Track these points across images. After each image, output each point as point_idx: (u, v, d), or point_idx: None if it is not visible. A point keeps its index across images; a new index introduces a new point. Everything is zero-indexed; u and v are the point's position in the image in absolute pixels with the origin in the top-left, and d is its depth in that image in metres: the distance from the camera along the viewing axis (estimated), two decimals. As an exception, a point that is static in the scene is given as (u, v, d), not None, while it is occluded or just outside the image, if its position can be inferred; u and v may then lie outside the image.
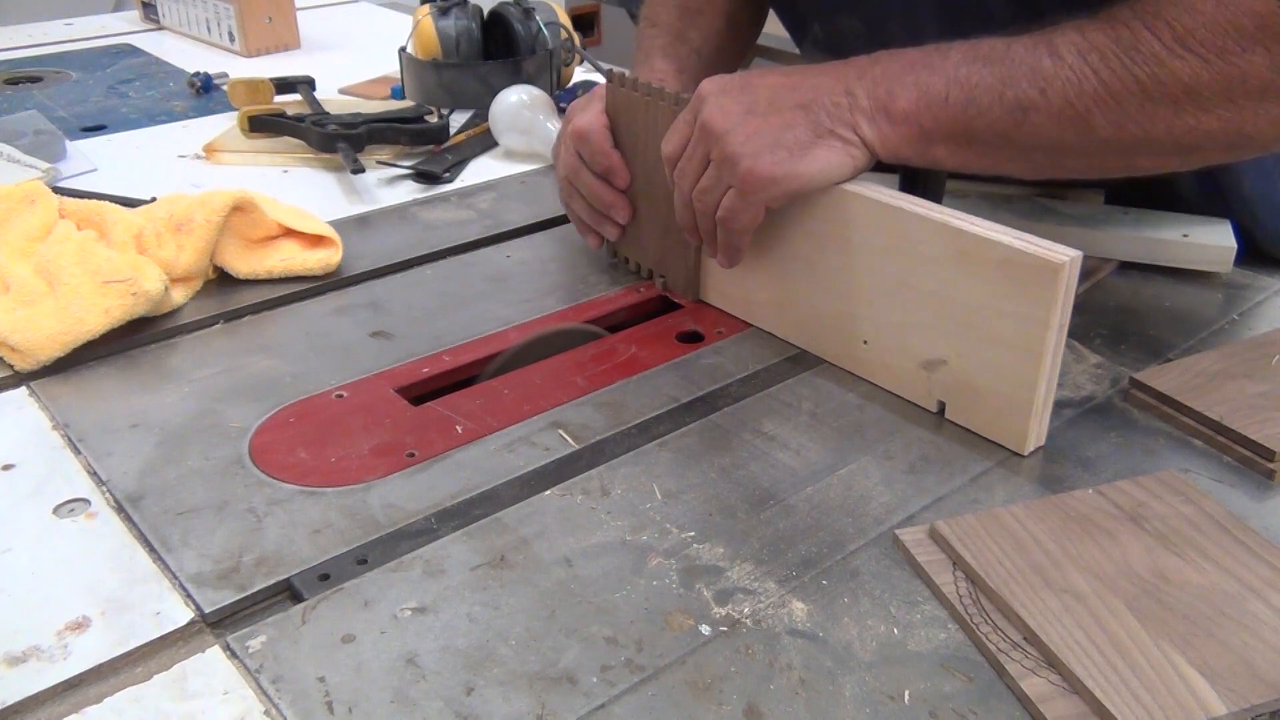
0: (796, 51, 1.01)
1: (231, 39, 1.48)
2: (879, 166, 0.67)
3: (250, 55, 1.47)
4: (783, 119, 0.64)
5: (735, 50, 0.94)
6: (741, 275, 0.75)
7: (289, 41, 1.51)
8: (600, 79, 1.06)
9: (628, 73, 0.79)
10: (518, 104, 1.09)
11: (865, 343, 0.68)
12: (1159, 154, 0.61)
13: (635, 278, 0.84)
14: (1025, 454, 0.62)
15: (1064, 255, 0.57)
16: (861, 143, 0.64)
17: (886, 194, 0.64)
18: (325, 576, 0.53)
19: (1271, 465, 0.61)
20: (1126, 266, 0.85)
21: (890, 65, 0.64)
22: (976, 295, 0.61)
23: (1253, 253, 0.85)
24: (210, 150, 1.10)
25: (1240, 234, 0.83)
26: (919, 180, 0.72)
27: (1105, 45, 0.59)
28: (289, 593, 0.52)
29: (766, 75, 0.67)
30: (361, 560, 0.54)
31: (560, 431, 0.65)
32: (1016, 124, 0.61)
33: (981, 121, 0.61)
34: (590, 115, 0.79)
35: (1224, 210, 0.85)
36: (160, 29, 1.63)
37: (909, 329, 0.65)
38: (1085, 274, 0.82)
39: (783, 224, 0.70)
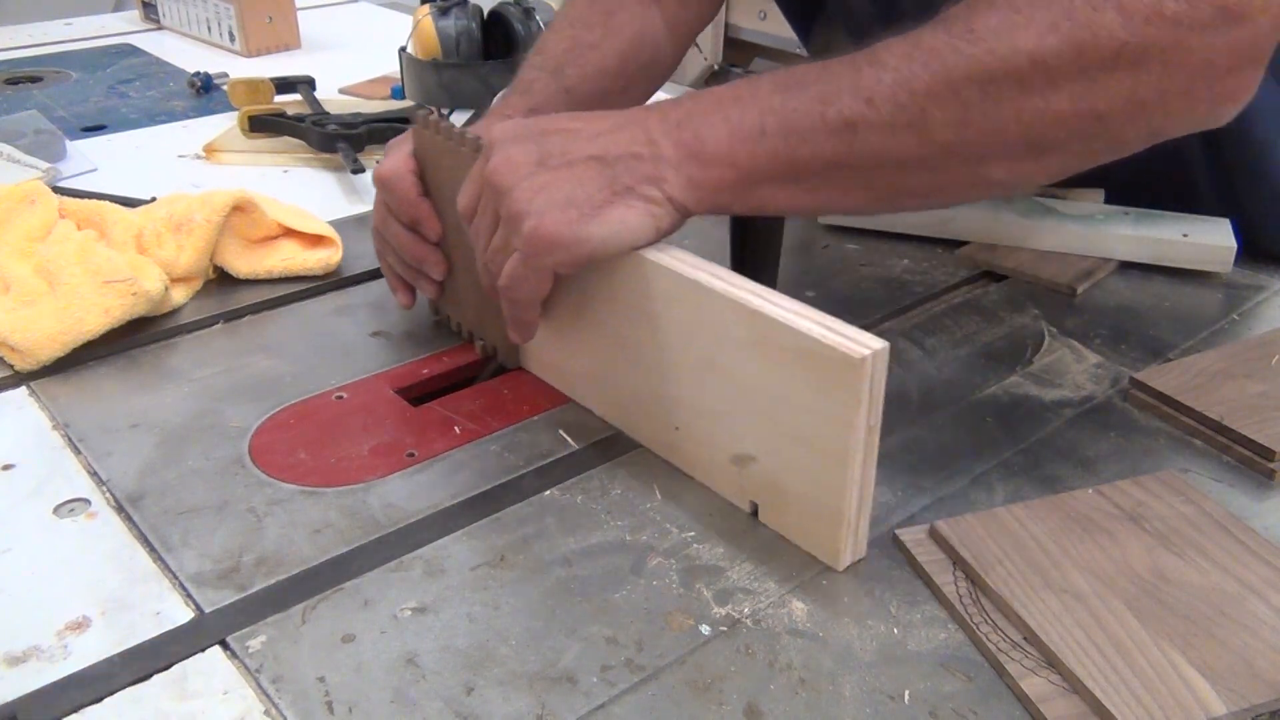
0: (797, 52, 1.01)
1: (232, 39, 1.48)
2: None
3: (251, 55, 1.47)
4: (575, 173, 0.56)
5: (627, 92, 0.83)
6: (556, 343, 0.67)
7: (289, 41, 1.51)
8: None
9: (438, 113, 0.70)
10: (518, 104, 1.09)
11: (677, 429, 0.60)
12: (1009, 155, 0.54)
13: (458, 338, 0.76)
14: (840, 569, 0.54)
15: (865, 349, 0.48)
16: (667, 200, 0.56)
17: (690, 265, 0.56)
18: (318, 580, 0.53)
19: (1271, 465, 0.61)
20: (1126, 266, 0.85)
21: (695, 105, 0.57)
22: (779, 387, 0.53)
23: (1253, 252, 0.85)
24: (210, 150, 1.10)
25: (1241, 233, 0.83)
26: (749, 236, 0.64)
27: (935, 40, 0.52)
28: (281, 595, 0.52)
29: (565, 120, 0.59)
30: (355, 564, 0.54)
31: (560, 431, 0.65)
32: (846, 145, 0.54)
33: (805, 149, 0.54)
34: (396, 159, 0.71)
35: (1234, 206, 0.84)
36: (160, 29, 1.63)
37: (718, 417, 0.57)
38: (1085, 274, 0.82)
39: (590, 291, 0.62)
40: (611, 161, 0.56)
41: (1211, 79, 0.51)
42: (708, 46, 2.76)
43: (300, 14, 1.53)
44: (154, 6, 1.64)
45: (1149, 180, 0.85)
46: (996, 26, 0.51)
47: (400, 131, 1.06)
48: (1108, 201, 0.90)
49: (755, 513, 0.58)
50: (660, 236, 0.58)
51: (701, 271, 0.55)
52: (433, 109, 0.70)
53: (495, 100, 1.09)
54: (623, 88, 0.82)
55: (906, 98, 0.52)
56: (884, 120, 0.53)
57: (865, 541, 0.55)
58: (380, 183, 0.72)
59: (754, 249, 0.63)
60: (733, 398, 0.56)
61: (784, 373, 0.52)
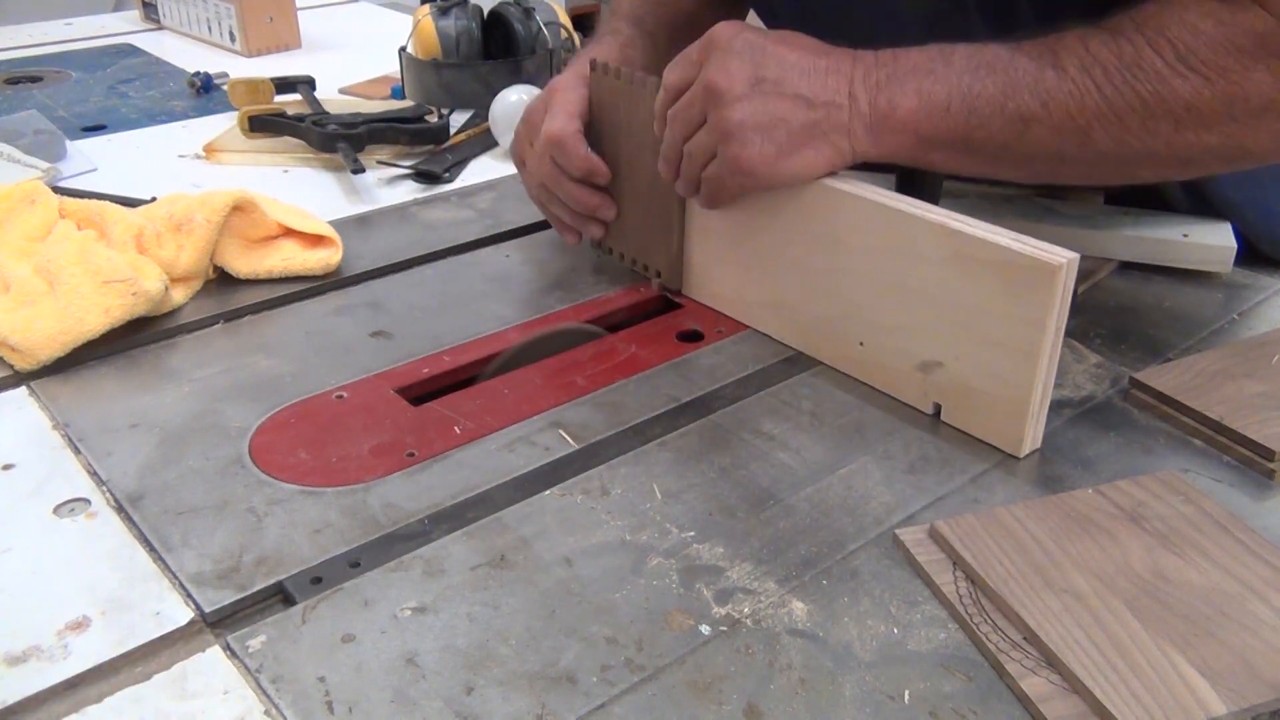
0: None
1: (232, 38, 1.48)
2: (875, 166, 0.66)
3: (251, 55, 1.47)
4: (784, 106, 0.63)
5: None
6: (733, 273, 0.75)
7: (290, 41, 1.51)
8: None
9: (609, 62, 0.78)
10: (518, 103, 1.09)
11: (861, 344, 0.68)
12: (1159, 166, 0.62)
13: (632, 275, 0.83)
14: (1021, 457, 0.62)
15: (1061, 257, 0.56)
16: (851, 150, 0.64)
17: (882, 194, 0.64)
18: (318, 580, 0.53)
19: (1271, 465, 0.61)
20: (1126, 266, 0.85)
21: (895, 69, 0.63)
22: (972, 297, 0.60)
23: (1252, 253, 0.85)
24: (210, 150, 1.10)
25: (1240, 233, 0.83)
26: (915, 180, 0.71)
27: (1109, 60, 0.59)
28: (281, 595, 0.52)
29: (780, 44, 0.65)
30: (354, 564, 0.54)
31: (560, 431, 0.65)
32: (1017, 135, 0.61)
33: (982, 132, 0.61)
34: (561, 120, 0.77)
35: (1214, 214, 0.85)
36: (160, 29, 1.63)
37: (904, 331, 0.65)
38: (1085, 274, 0.82)
39: (773, 222, 0.70)
40: (816, 105, 0.63)
41: None
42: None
43: (300, 14, 1.53)
44: (154, 6, 1.64)
45: (1140, 186, 0.86)
46: (1161, 70, 0.58)
47: (400, 131, 1.07)
48: (1108, 202, 0.90)
49: (938, 413, 0.65)
50: (834, 173, 0.66)
51: (899, 200, 0.63)
52: (594, 59, 0.78)
53: (493, 108, 1.09)
54: (693, 35, 0.88)
55: (1077, 109, 0.60)
56: (1054, 123, 0.60)
57: (1042, 434, 0.62)
58: (552, 143, 0.78)
59: (919, 189, 0.70)
60: (922, 311, 0.63)
61: (980, 284, 0.59)
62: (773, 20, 0.93)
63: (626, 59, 0.83)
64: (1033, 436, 0.62)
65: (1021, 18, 0.70)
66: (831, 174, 0.65)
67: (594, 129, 0.78)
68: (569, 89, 0.79)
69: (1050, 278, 0.56)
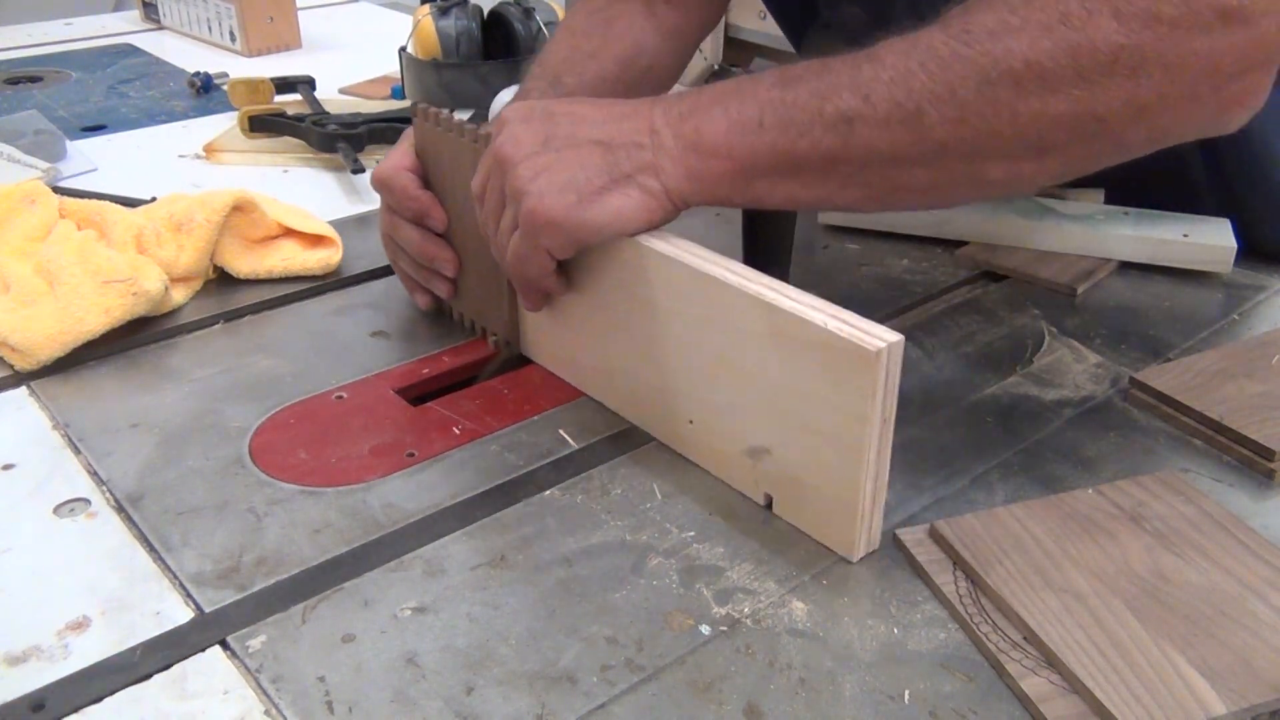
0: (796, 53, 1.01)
1: (233, 38, 1.48)
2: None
3: (251, 55, 1.47)
4: (578, 156, 0.58)
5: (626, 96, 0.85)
6: (565, 337, 0.68)
7: (290, 41, 1.51)
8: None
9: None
10: (518, 104, 1.09)
11: (690, 422, 0.61)
12: (1007, 155, 0.53)
13: (461, 336, 0.76)
14: (854, 560, 0.55)
15: (879, 341, 0.49)
16: (664, 191, 0.57)
17: (698, 256, 0.57)
18: (318, 580, 0.53)
19: (1271, 465, 0.61)
20: (1126, 266, 0.85)
21: (699, 99, 0.58)
22: (793, 379, 0.53)
23: (1253, 253, 0.85)
24: (210, 150, 1.10)
25: (1240, 234, 0.83)
26: (760, 227, 0.65)
27: (932, 38, 0.52)
28: (281, 595, 0.52)
29: (574, 104, 0.61)
30: (354, 564, 0.54)
31: (560, 431, 0.65)
32: (842, 139, 0.54)
33: (803, 143, 0.54)
34: (392, 160, 0.72)
35: (1234, 206, 0.84)
36: (161, 29, 1.63)
37: (731, 411, 0.58)
38: (1085, 274, 0.82)
39: (596, 282, 0.63)
40: (614, 148, 0.58)
41: (1216, 83, 0.51)
42: (708, 46, 2.75)
43: (300, 14, 1.53)
44: (154, 6, 1.64)
45: (1149, 180, 0.85)
46: (993, 28, 0.51)
47: (400, 131, 1.07)
48: (1108, 202, 0.90)
49: (770, 505, 0.58)
50: (654, 226, 0.59)
51: (716, 265, 0.56)
52: (416, 102, 0.73)
53: (493, 107, 1.09)
54: (622, 94, 0.80)
55: (903, 95, 0.52)
56: (880, 116, 0.53)
57: (879, 533, 0.55)
58: (380, 183, 0.73)
59: (766, 242, 0.64)
60: (746, 391, 0.56)
61: (799, 366, 0.53)
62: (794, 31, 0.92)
63: None
64: (867, 538, 0.55)
65: None
66: (650, 229, 0.59)
67: (426, 182, 0.72)
68: (405, 137, 0.74)
69: (869, 364, 0.49)
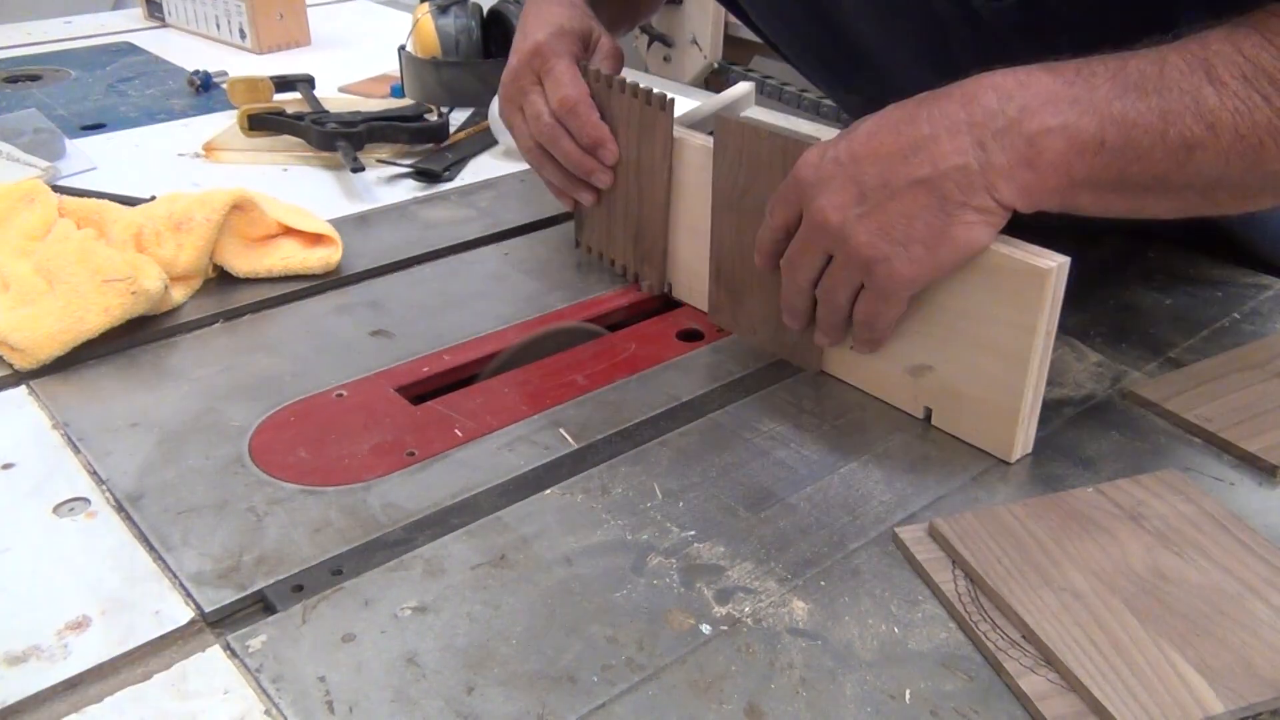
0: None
1: (243, 35, 1.48)
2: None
3: (262, 52, 1.47)
4: (904, 205, 0.56)
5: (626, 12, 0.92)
6: (718, 280, 0.74)
7: (299, 38, 1.51)
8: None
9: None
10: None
11: (851, 346, 0.66)
12: None
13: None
14: (1012, 461, 0.61)
15: (1051, 261, 0.55)
16: (999, 206, 0.55)
17: None
18: (318, 579, 0.53)
19: (1272, 463, 0.61)
20: (1127, 266, 0.85)
21: (1026, 100, 0.54)
22: (962, 301, 0.59)
23: (1254, 253, 0.85)
24: (210, 149, 1.10)
25: (1240, 241, 0.83)
26: None
27: (1270, 64, 0.52)
28: (281, 594, 0.52)
29: (869, 140, 0.57)
30: (355, 563, 0.54)
31: (560, 430, 0.65)
32: (1179, 165, 0.54)
33: (1139, 166, 0.54)
34: (576, 87, 0.76)
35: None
36: (164, 26, 1.63)
37: (895, 334, 0.64)
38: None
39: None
40: (939, 182, 0.55)
41: None
42: (707, 45, 2.75)
43: (304, 12, 1.53)
44: (159, 4, 1.63)
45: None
46: None
47: (400, 130, 1.07)
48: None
49: (928, 417, 0.65)
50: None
51: None
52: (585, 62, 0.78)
53: (492, 107, 1.09)
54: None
55: (1247, 128, 0.52)
56: (1223, 147, 0.53)
57: (1034, 438, 0.62)
58: (564, 107, 0.76)
59: None
60: (912, 314, 0.62)
61: (970, 287, 0.59)
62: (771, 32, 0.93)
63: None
64: (1023, 441, 0.61)
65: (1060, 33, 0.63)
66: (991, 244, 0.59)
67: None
68: (562, 55, 0.77)
69: (1040, 281, 0.55)
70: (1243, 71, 0.52)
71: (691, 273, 0.78)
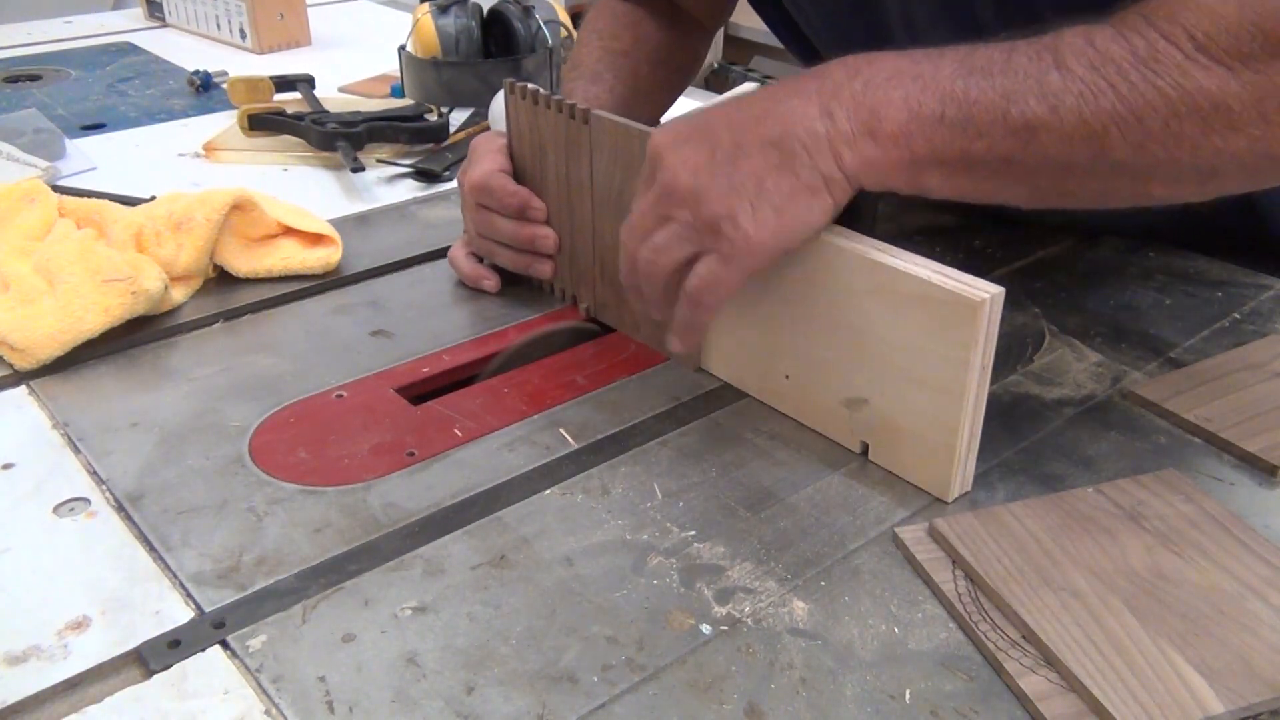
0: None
1: (243, 35, 1.48)
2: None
3: (263, 52, 1.47)
4: (755, 163, 0.56)
5: (657, 93, 0.91)
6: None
7: (300, 38, 1.51)
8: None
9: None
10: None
11: (786, 377, 0.65)
12: (1177, 179, 0.55)
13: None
14: (949, 500, 0.58)
15: (984, 293, 0.53)
16: (844, 176, 0.56)
17: None
18: (317, 579, 0.53)
19: (1272, 463, 0.61)
20: (1127, 265, 0.85)
21: (873, 77, 0.56)
22: (896, 332, 0.57)
23: (1258, 253, 0.85)
24: (210, 149, 1.10)
25: (1244, 234, 0.83)
26: (852, 204, 0.66)
27: (1120, 55, 0.52)
28: (281, 594, 0.52)
29: (722, 108, 0.59)
30: (355, 562, 0.54)
31: (560, 430, 0.65)
32: (1022, 145, 0.54)
33: (981, 144, 0.54)
34: (483, 165, 0.76)
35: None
36: (164, 26, 1.63)
37: (830, 365, 0.61)
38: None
39: None
40: (788, 143, 0.56)
41: None
42: (707, 44, 2.75)
43: (303, 12, 1.53)
44: (159, 4, 1.63)
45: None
46: (1181, 62, 0.52)
47: (400, 130, 1.07)
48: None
49: (865, 452, 0.62)
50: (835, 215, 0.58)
51: (827, 226, 0.58)
52: (512, 80, 0.77)
53: (492, 107, 1.10)
54: (656, 88, 0.89)
55: (1091, 113, 0.53)
56: (1065, 130, 0.53)
57: (972, 476, 0.59)
58: (478, 188, 0.76)
59: (853, 214, 0.65)
60: (847, 346, 0.60)
61: (903, 318, 0.56)
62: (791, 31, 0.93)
63: (591, 96, 0.82)
64: (961, 480, 0.59)
65: (1040, 9, 0.62)
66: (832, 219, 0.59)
67: (518, 165, 0.77)
68: (488, 138, 0.78)
69: (973, 314, 0.53)
70: (1090, 60, 0.53)
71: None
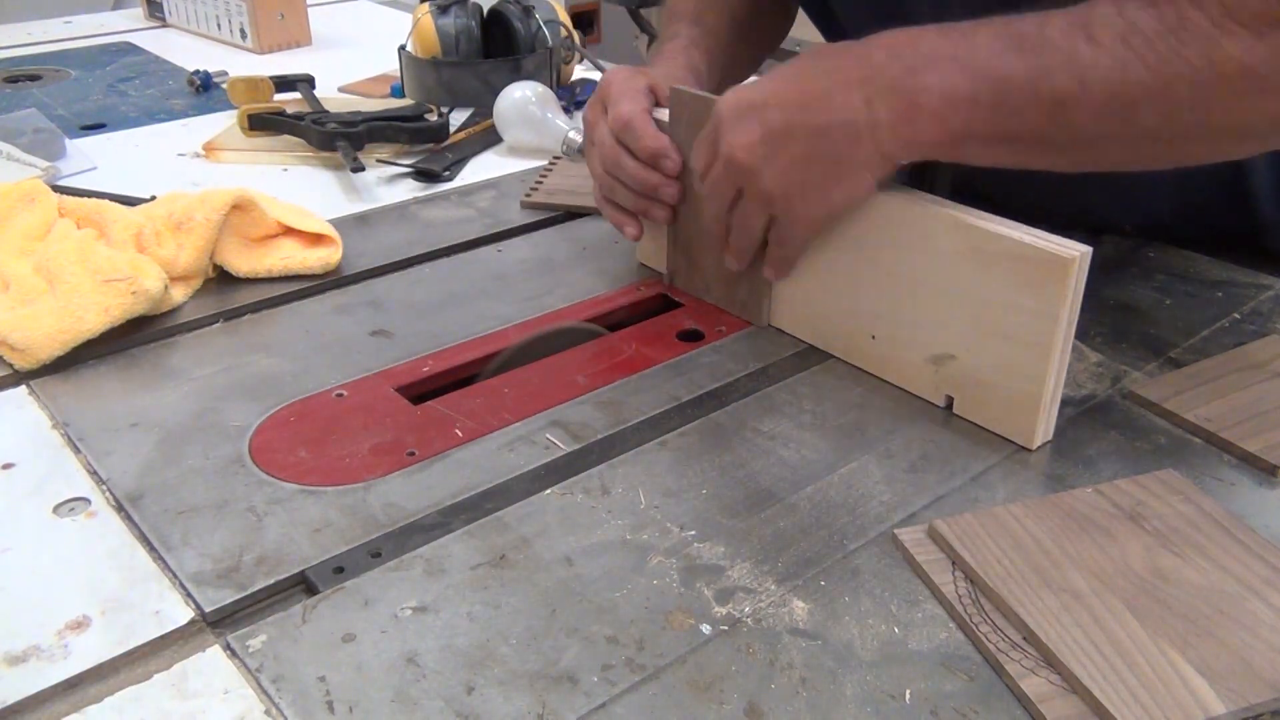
0: (797, 50, 1.01)
1: (244, 35, 1.48)
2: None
3: (263, 52, 1.47)
4: (802, 149, 0.62)
5: (756, 34, 0.93)
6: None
7: (300, 38, 1.51)
8: (598, 77, 1.06)
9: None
10: (523, 100, 1.09)
11: (873, 338, 0.68)
12: (1211, 141, 0.58)
13: (639, 273, 0.84)
14: (1034, 448, 0.62)
15: (1074, 250, 0.57)
16: (883, 158, 0.61)
17: (895, 189, 0.65)
18: (318, 578, 0.53)
19: (1272, 463, 0.61)
20: (1127, 265, 0.85)
21: (910, 60, 0.59)
22: (986, 291, 0.61)
23: (1258, 253, 0.85)
24: (210, 149, 1.10)
25: (1244, 234, 0.83)
26: (927, 172, 0.71)
27: (1149, 25, 0.54)
28: (282, 594, 0.52)
29: (777, 89, 0.64)
30: (355, 562, 0.54)
31: (561, 431, 0.65)
32: (1053, 120, 0.57)
33: (1015, 121, 0.58)
34: (633, 103, 0.75)
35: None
36: (164, 26, 1.63)
37: (918, 324, 0.65)
38: None
39: None
40: (832, 133, 0.61)
41: None
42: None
43: (303, 12, 1.53)
44: (159, 4, 1.63)
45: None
46: (1209, 30, 0.53)
47: (400, 130, 1.07)
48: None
49: (949, 406, 0.66)
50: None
51: (914, 196, 0.63)
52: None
53: (495, 106, 1.10)
54: (752, 30, 0.91)
55: (1119, 87, 0.54)
56: (1095, 104, 0.55)
57: (1054, 425, 0.63)
58: (620, 125, 0.76)
59: (930, 182, 0.69)
60: (935, 305, 0.64)
61: (993, 278, 0.60)
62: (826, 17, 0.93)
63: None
64: (1044, 429, 0.63)
65: None
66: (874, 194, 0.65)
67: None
68: (629, 77, 0.77)
69: (1063, 271, 0.57)
70: (1120, 31, 0.54)
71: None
